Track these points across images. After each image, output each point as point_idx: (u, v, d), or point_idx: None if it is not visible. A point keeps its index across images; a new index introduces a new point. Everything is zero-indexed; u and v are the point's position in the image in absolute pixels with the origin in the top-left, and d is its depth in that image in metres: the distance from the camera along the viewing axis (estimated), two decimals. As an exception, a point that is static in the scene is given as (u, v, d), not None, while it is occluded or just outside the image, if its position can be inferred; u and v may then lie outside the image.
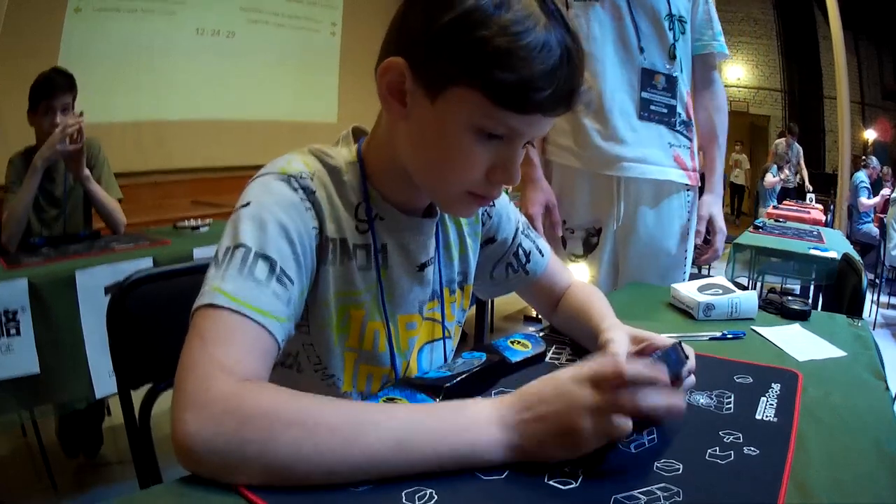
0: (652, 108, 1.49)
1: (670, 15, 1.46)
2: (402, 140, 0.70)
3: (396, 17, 0.68)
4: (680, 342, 0.71)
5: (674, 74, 1.49)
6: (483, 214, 0.90)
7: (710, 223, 1.59)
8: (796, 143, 7.50)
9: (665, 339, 0.79)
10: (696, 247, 1.61)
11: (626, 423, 0.54)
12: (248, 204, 0.66)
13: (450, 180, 0.69)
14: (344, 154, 0.75)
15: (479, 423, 0.56)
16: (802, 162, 7.67)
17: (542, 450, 0.56)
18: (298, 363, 0.75)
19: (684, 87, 1.53)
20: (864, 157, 6.45)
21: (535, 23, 0.61)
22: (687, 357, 0.70)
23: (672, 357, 0.65)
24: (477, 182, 0.68)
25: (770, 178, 6.55)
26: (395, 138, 0.71)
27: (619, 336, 0.78)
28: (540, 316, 1.07)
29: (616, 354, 0.74)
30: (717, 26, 1.57)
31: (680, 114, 1.52)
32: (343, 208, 0.72)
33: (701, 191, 1.63)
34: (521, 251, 0.95)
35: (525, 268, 0.95)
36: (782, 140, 7.27)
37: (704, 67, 1.60)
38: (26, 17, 3.24)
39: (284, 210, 0.66)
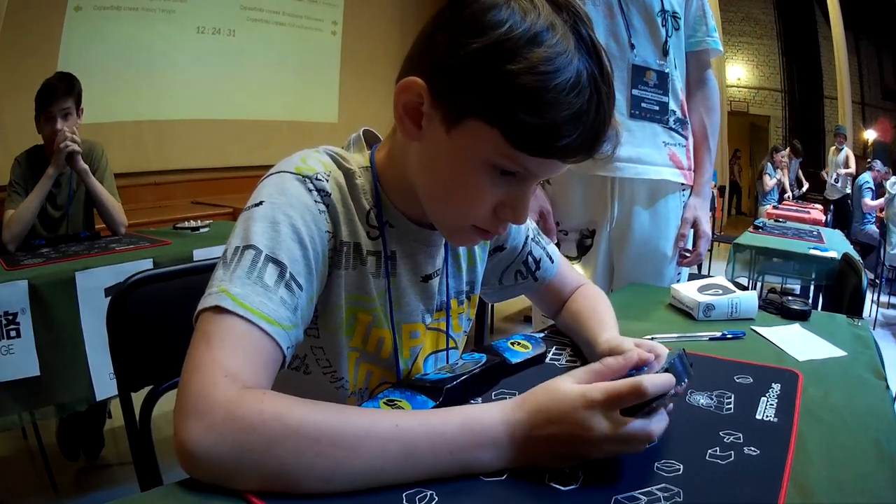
0: (643, 105, 1.47)
1: (663, 10, 1.45)
2: (413, 160, 0.69)
3: (424, 34, 0.65)
4: (683, 350, 0.70)
5: (665, 70, 1.47)
6: None
7: (695, 226, 1.58)
8: (797, 160, 7.55)
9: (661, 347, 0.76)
10: (679, 251, 1.60)
11: (639, 449, 0.56)
12: (261, 203, 0.64)
13: (456, 212, 0.67)
14: (357, 159, 0.74)
15: (487, 439, 0.55)
16: (800, 174, 7.71)
17: (548, 464, 0.57)
18: (306, 365, 0.75)
19: (678, 83, 1.51)
20: (869, 161, 6.47)
21: (570, 61, 0.57)
22: (692, 365, 0.69)
23: (678, 368, 0.64)
24: (483, 218, 0.66)
25: (768, 181, 6.54)
26: (408, 156, 0.69)
27: (625, 340, 0.77)
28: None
29: (628, 351, 0.72)
30: (712, 22, 1.55)
31: (674, 111, 1.51)
32: (356, 213, 0.71)
33: None
34: (530, 259, 0.94)
35: (534, 274, 0.95)
36: (786, 152, 7.27)
37: (698, 65, 1.58)
38: (26, 16, 3.23)
39: (299, 213, 0.64)
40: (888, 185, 5.15)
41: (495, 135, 0.59)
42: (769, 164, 6.66)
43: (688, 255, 1.60)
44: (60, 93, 2.03)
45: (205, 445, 0.49)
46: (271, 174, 0.68)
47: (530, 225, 0.95)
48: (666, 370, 0.60)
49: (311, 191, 0.67)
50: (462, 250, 0.85)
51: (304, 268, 0.63)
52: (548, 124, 0.57)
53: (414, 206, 0.73)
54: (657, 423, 0.57)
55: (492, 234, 0.69)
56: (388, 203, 0.74)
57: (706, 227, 1.59)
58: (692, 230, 1.58)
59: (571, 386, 0.57)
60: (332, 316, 0.72)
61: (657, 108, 1.49)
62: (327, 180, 0.69)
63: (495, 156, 0.61)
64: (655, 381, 0.56)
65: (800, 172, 7.73)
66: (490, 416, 0.56)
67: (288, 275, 0.61)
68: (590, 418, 0.55)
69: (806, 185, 7.54)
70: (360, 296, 0.73)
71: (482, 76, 0.58)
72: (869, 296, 4.15)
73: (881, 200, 5.59)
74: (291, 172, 0.67)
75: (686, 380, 0.65)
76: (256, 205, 0.64)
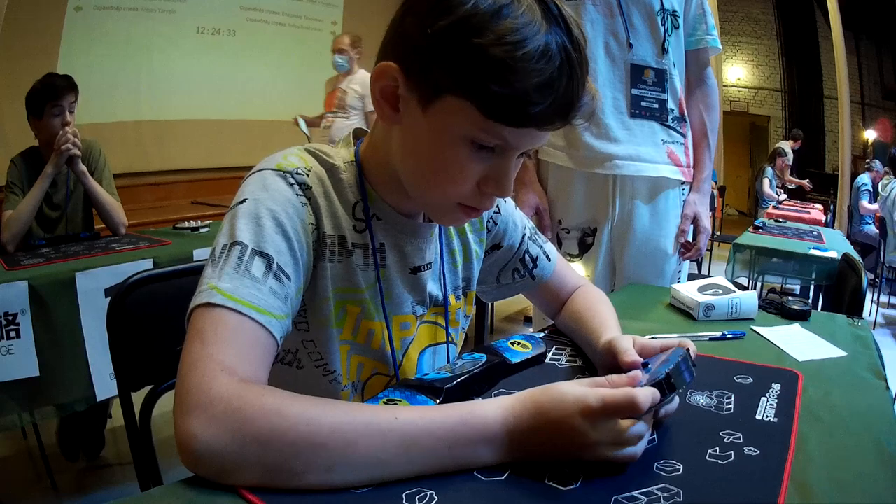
0: (643, 104, 1.48)
1: (663, 9, 1.46)
2: (394, 145, 0.70)
3: (394, 20, 0.67)
4: (687, 350, 0.70)
5: (664, 68, 1.48)
6: (489, 221, 0.89)
7: (695, 222, 1.59)
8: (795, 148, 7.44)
9: (668, 342, 0.78)
10: (680, 245, 1.61)
11: (635, 454, 0.57)
12: (244, 200, 0.65)
13: (439, 191, 0.68)
14: (343, 154, 0.75)
15: (485, 435, 0.56)
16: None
17: (543, 460, 0.57)
18: (298, 360, 0.75)
19: (677, 81, 1.52)
20: (867, 161, 6.39)
21: (537, 30, 0.58)
22: (695, 364, 0.69)
23: (682, 370, 0.64)
24: (467, 194, 0.67)
25: (767, 188, 6.47)
26: (389, 142, 0.71)
27: (622, 338, 0.77)
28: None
29: (623, 352, 0.73)
30: (711, 21, 1.56)
31: (672, 110, 1.52)
32: (340, 206, 0.72)
33: None
34: (527, 257, 0.94)
35: (532, 273, 0.95)
36: (787, 143, 7.17)
37: (698, 64, 1.59)
38: (26, 16, 3.23)
39: (281, 206, 0.65)
40: (880, 186, 5.13)
41: (470, 108, 0.61)
42: (770, 167, 6.60)
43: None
44: (66, 87, 2.05)
45: (206, 439, 0.49)
46: (253, 172, 0.70)
47: (527, 223, 0.96)
48: (668, 374, 0.60)
49: (292, 185, 0.68)
50: (457, 245, 0.86)
51: (291, 259, 0.64)
52: (519, 93, 0.58)
53: (400, 196, 0.74)
54: (647, 428, 0.59)
55: (478, 210, 0.70)
56: (375, 195, 0.75)
57: (706, 222, 1.60)
58: (692, 226, 1.59)
59: (573, 389, 0.57)
60: (321, 308, 0.72)
61: (656, 105, 1.49)
62: (308, 175, 0.70)
63: (473, 130, 0.62)
64: (652, 395, 0.57)
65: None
66: (490, 412, 0.57)
67: (276, 266, 0.62)
68: (586, 424, 0.55)
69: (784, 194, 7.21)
70: (348, 288, 0.74)
71: (452, 52, 0.59)
72: (869, 296, 4.15)
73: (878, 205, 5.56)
74: (272, 169, 0.69)
75: (689, 380, 0.65)
76: (240, 202, 0.66)
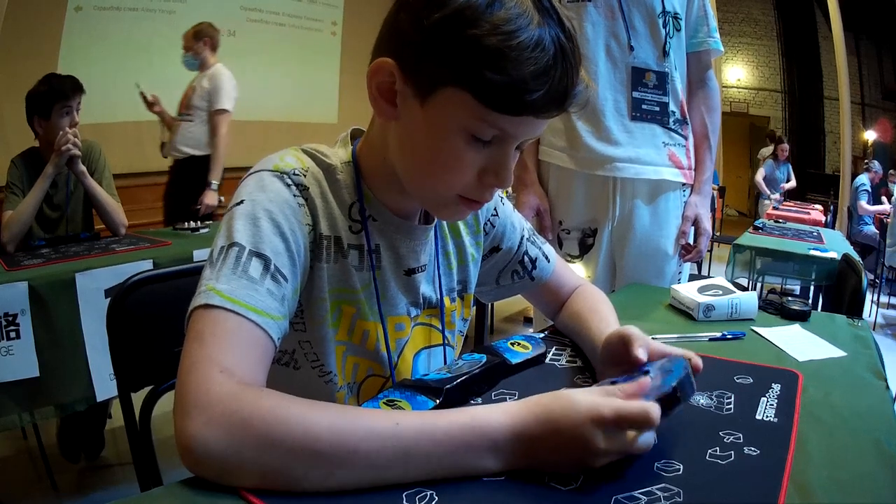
0: (644, 107, 1.48)
1: (664, 12, 1.45)
2: (392, 141, 0.70)
3: (389, 17, 0.67)
4: (688, 361, 0.69)
5: (665, 71, 1.48)
6: (486, 224, 0.89)
7: (696, 224, 1.59)
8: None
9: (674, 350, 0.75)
10: (681, 247, 1.61)
11: (648, 443, 0.56)
12: (241, 202, 0.66)
13: (439, 184, 0.68)
14: (340, 154, 0.75)
15: (491, 442, 0.55)
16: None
17: (547, 469, 0.56)
18: (295, 360, 0.75)
19: (678, 84, 1.52)
20: (866, 161, 6.39)
21: (529, 21, 0.59)
22: (693, 388, 0.67)
23: (685, 385, 0.63)
24: (468, 186, 0.67)
25: (759, 179, 6.43)
26: (386, 140, 0.71)
27: (634, 328, 0.75)
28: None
29: (635, 341, 0.70)
30: (713, 22, 1.56)
31: (674, 112, 1.52)
32: (337, 207, 0.72)
33: None
34: (526, 258, 0.94)
35: (531, 274, 0.95)
36: (769, 149, 7.16)
37: (699, 66, 1.59)
38: (26, 16, 3.23)
39: (278, 207, 0.66)
40: (892, 187, 5.12)
41: (467, 98, 0.61)
42: (770, 160, 6.57)
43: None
44: (74, 87, 2.06)
45: (205, 440, 0.49)
46: (251, 173, 0.70)
47: (525, 225, 0.96)
48: (674, 387, 0.59)
49: (289, 186, 0.68)
50: (452, 248, 0.86)
51: (288, 260, 0.65)
52: (515, 81, 0.59)
53: (396, 196, 0.74)
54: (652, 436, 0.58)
55: (479, 203, 0.70)
56: (371, 196, 0.75)
57: (707, 224, 1.60)
58: (693, 227, 1.59)
59: (585, 398, 0.56)
60: (317, 308, 0.72)
61: (657, 108, 1.49)
62: (304, 175, 0.70)
63: (471, 120, 0.63)
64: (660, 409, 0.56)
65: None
66: (495, 419, 0.56)
67: (273, 267, 0.62)
68: (597, 433, 0.54)
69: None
70: (343, 288, 0.74)
71: (448, 44, 0.60)
72: (869, 296, 4.15)
73: (882, 206, 5.53)
74: (269, 170, 0.69)
75: (691, 394, 0.65)
76: (237, 204, 0.66)
